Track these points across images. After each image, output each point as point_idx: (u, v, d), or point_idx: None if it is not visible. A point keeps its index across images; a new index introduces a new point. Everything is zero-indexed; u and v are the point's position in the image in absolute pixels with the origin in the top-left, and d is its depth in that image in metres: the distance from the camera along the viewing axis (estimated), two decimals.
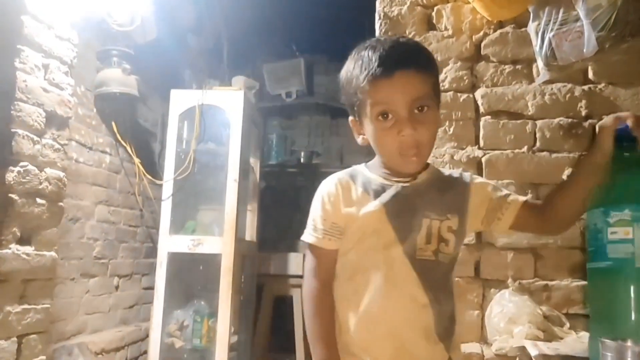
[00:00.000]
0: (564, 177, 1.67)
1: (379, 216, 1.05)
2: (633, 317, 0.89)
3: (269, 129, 4.71)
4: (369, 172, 1.11)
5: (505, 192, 1.14)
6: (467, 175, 1.15)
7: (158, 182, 3.13)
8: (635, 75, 1.69)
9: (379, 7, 1.86)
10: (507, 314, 1.56)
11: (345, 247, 1.09)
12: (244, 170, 3.20)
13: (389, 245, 1.05)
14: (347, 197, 1.08)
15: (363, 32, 1.99)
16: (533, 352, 1.33)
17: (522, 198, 1.12)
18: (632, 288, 0.87)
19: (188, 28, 3.82)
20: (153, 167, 3.37)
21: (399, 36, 1.55)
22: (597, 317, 0.95)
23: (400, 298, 1.03)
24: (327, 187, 1.11)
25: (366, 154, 2.95)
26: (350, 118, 1.12)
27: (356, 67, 1.04)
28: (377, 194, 1.07)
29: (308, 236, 1.11)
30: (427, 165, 1.13)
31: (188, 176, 3.03)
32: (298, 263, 3.63)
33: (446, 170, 1.19)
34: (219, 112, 3.13)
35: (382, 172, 1.10)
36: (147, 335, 3.05)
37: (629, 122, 0.97)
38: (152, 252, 3.24)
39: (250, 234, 3.51)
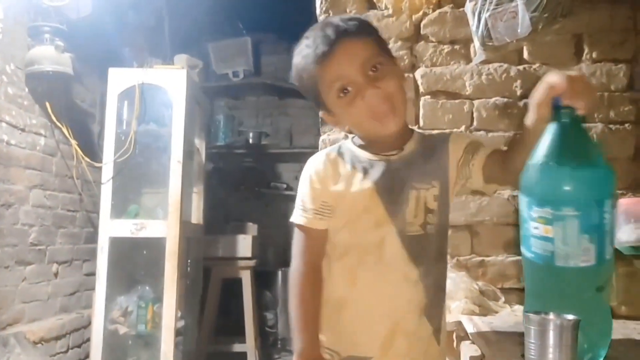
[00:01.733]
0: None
1: (370, 194, 1.04)
2: (561, 306, 0.87)
3: (215, 109, 4.62)
4: (355, 148, 1.09)
5: (479, 142, 1.07)
6: (447, 133, 1.13)
7: (97, 164, 3.02)
8: (567, 56, 1.75)
9: None
10: None
11: (335, 226, 1.07)
12: (189, 151, 3.13)
13: (381, 223, 1.04)
14: (335, 174, 1.07)
15: (310, 10, 1.95)
16: (468, 326, 1.37)
17: (489, 147, 1.06)
18: (558, 283, 0.85)
19: (127, 3, 3.66)
20: (92, 149, 3.24)
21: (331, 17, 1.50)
22: (528, 295, 0.96)
23: (393, 277, 1.03)
24: (315, 165, 1.09)
25: (316, 134, 2.91)
26: (321, 113, 1.10)
27: (302, 62, 1.03)
28: (366, 170, 1.06)
29: (298, 217, 1.08)
30: (412, 132, 1.10)
31: (129, 158, 2.92)
32: (247, 245, 3.60)
33: (432, 133, 1.18)
34: (160, 92, 3.02)
35: (368, 147, 1.08)
36: (90, 323, 2.97)
37: (563, 95, 0.83)
38: (93, 238, 3.14)
39: (197, 216, 3.44)
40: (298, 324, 1.05)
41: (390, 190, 1.04)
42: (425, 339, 1.06)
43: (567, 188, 0.82)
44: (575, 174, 0.82)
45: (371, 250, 1.04)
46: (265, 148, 4.44)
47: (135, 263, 3.03)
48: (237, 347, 3.54)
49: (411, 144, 1.07)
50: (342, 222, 1.06)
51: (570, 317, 0.82)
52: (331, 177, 1.07)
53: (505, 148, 1.08)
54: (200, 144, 3.57)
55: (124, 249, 2.95)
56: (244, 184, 4.44)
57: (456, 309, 1.54)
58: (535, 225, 0.84)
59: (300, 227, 1.09)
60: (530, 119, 0.91)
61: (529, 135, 0.90)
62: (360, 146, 1.09)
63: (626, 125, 1.71)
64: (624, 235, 1.52)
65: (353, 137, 1.12)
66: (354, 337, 1.05)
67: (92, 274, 3.01)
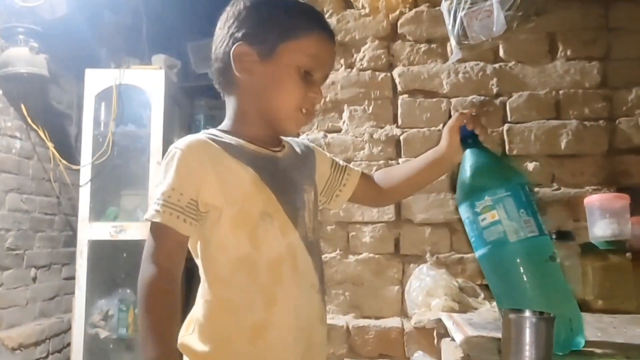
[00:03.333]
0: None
1: (267, 195, 0.91)
2: (527, 288, 0.94)
3: (195, 109, 4.56)
4: (232, 138, 0.93)
5: (341, 163, 1.11)
6: (308, 144, 1.09)
7: (75, 167, 2.97)
8: (541, 54, 1.77)
9: None
10: (425, 287, 1.61)
11: (224, 235, 0.89)
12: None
13: (286, 230, 0.91)
14: (214, 166, 0.88)
15: None
16: (448, 323, 1.38)
17: (357, 170, 1.11)
18: (517, 260, 0.95)
19: (103, 3, 3.61)
20: (69, 152, 3.19)
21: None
22: (496, 295, 1.01)
23: (305, 288, 0.93)
24: (190, 153, 0.88)
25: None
26: (240, 44, 0.91)
27: (297, 12, 0.94)
28: (255, 165, 0.91)
29: (154, 213, 0.85)
30: None
31: (107, 160, 2.89)
32: None
33: (293, 139, 1.07)
34: (138, 93, 3.00)
35: (249, 138, 0.94)
36: (70, 327, 2.93)
37: (467, 122, 1.03)
38: (72, 241, 3.09)
39: None
40: (150, 330, 0.83)
41: (286, 191, 0.93)
42: (326, 344, 1.01)
43: (496, 174, 0.99)
44: (497, 163, 1.03)
45: (284, 262, 0.90)
46: None
47: (115, 266, 2.99)
48: None
49: (286, 144, 1.01)
50: (232, 231, 0.88)
51: (546, 314, 0.84)
52: (211, 165, 0.88)
53: (371, 174, 1.15)
54: None
55: (103, 252, 2.91)
56: None
57: (436, 307, 1.56)
58: (482, 217, 0.96)
59: (157, 225, 0.85)
60: (440, 144, 1.06)
61: (427, 160, 1.09)
62: (237, 136, 0.94)
63: (600, 121, 1.73)
64: (599, 230, 1.55)
65: (216, 128, 0.97)
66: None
67: (72, 277, 2.96)
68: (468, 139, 1.04)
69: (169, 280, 0.85)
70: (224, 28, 0.96)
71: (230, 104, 0.99)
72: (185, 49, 4.22)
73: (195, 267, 0.94)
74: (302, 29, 0.92)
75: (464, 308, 1.56)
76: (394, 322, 1.65)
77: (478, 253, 1.00)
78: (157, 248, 0.86)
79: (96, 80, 2.92)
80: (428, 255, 1.72)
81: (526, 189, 0.98)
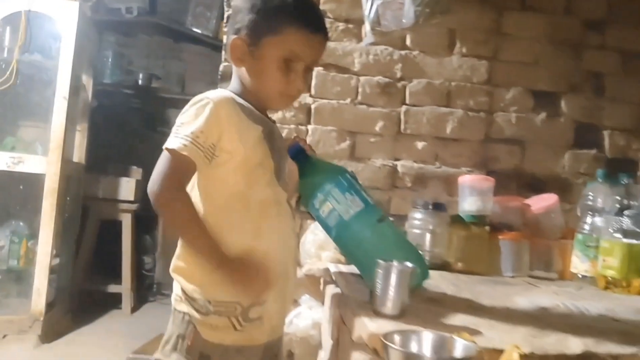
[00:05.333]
0: (377, 128, 1.95)
1: (265, 151, 1.07)
2: (371, 249, 1.20)
3: (103, 44, 4.39)
4: (246, 103, 1.09)
5: None
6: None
7: None
8: (442, 47, 2.01)
9: None
10: (318, 241, 1.82)
11: (226, 173, 1.04)
12: (75, 87, 3.03)
13: (272, 182, 1.09)
14: (239, 120, 1.04)
15: None
16: (333, 270, 1.60)
17: None
18: (356, 231, 1.22)
19: None
20: None
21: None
22: (357, 267, 1.31)
23: (286, 229, 1.12)
24: (221, 107, 1.03)
25: (209, 82, 2.96)
26: (235, 37, 1.08)
27: (282, 8, 1.05)
28: (262, 126, 1.07)
29: (182, 146, 0.97)
30: None
31: (9, 88, 2.78)
32: (129, 188, 3.59)
33: None
34: (49, 22, 2.88)
35: (254, 105, 1.10)
36: None
37: (299, 141, 1.25)
38: None
39: (78, 155, 3.36)
40: (200, 241, 0.99)
41: (278, 154, 1.11)
42: (296, 283, 1.24)
43: (318, 175, 1.23)
44: (318, 166, 1.26)
45: (271, 204, 1.08)
46: (155, 91, 4.35)
47: (9, 197, 2.92)
48: (113, 288, 3.56)
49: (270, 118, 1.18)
50: (239, 173, 1.05)
51: (409, 264, 1.08)
52: (235, 121, 1.03)
53: None
54: (87, 80, 3.44)
55: None
56: (130, 125, 4.34)
57: (326, 258, 1.77)
58: (322, 211, 1.21)
59: (182, 157, 0.97)
60: None
61: None
62: (246, 100, 1.10)
63: (481, 113, 2.02)
64: (467, 205, 1.82)
65: (228, 89, 1.12)
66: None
67: None
68: (296, 155, 1.23)
69: (186, 197, 1.01)
70: (230, 20, 1.14)
71: (235, 75, 1.14)
72: None
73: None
74: (284, 24, 1.05)
75: (349, 261, 1.79)
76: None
77: (331, 239, 1.27)
78: (176, 174, 0.99)
79: (3, 2, 2.76)
80: None
81: (347, 176, 1.22)
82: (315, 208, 1.22)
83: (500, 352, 0.89)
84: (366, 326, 1.02)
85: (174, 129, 1.02)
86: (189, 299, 1.05)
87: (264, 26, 1.06)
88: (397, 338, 0.88)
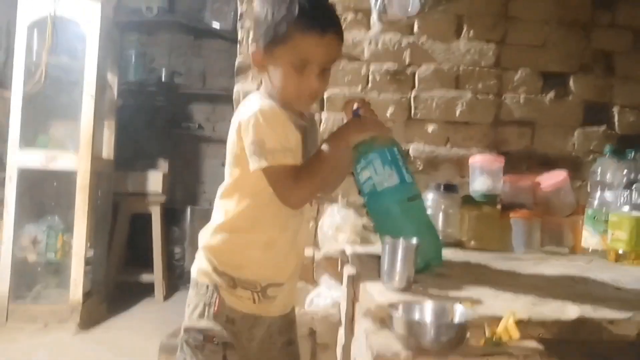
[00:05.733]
0: (388, 114, 2.02)
1: (300, 152, 1.17)
2: (396, 222, 1.26)
3: (126, 44, 4.52)
4: (282, 108, 1.16)
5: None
6: (313, 115, 1.41)
7: (4, 94, 2.98)
8: (449, 34, 2.06)
9: None
10: (335, 224, 1.90)
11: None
12: (101, 86, 3.16)
13: None
14: (288, 124, 1.15)
15: None
16: (349, 251, 1.68)
17: None
18: (385, 203, 1.27)
19: None
20: None
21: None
22: (379, 232, 1.34)
23: (304, 220, 1.27)
24: (272, 113, 1.14)
25: (229, 76, 3.05)
26: (253, 49, 1.19)
27: (285, 9, 1.11)
28: (299, 129, 1.18)
29: (264, 158, 1.10)
30: None
31: (39, 90, 2.93)
32: (157, 181, 3.74)
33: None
34: (73, 25, 3.01)
35: (286, 105, 1.18)
36: None
37: (357, 105, 1.27)
38: (2, 167, 3.13)
39: (107, 151, 3.51)
40: (335, 144, 1.18)
41: (308, 153, 1.21)
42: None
43: (368, 143, 1.25)
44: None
45: None
46: (177, 88, 4.48)
47: (44, 194, 3.08)
48: (145, 278, 3.73)
49: (305, 116, 1.26)
50: None
51: (414, 240, 1.14)
52: (285, 125, 1.14)
53: None
54: (112, 79, 3.58)
55: (34, 180, 3.00)
56: (155, 122, 4.48)
57: (343, 240, 1.86)
58: (361, 176, 1.26)
59: (273, 169, 1.11)
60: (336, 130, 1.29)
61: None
62: (282, 106, 1.17)
63: (489, 96, 2.07)
64: (477, 185, 1.87)
65: (265, 96, 1.19)
66: (274, 270, 1.21)
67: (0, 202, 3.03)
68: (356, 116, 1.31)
69: (301, 176, 1.13)
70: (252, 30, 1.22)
71: (263, 81, 1.24)
72: None
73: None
74: (291, 32, 1.12)
75: (365, 242, 1.87)
76: (307, 252, 1.94)
77: (365, 205, 1.34)
78: (287, 179, 1.13)
79: (30, 9, 2.90)
80: (340, 197, 2.01)
81: (393, 151, 1.26)
82: (357, 172, 1.28)
83: (500, 319, 0.94)
84: (374, 298, 1.09)
85: (250, 150, 1.12)
86: (218, 272, 1.18)
87: (275, 36, 1.13)
88: (400, 307, 0.95)
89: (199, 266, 1.22)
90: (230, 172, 1.22)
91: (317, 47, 1.13)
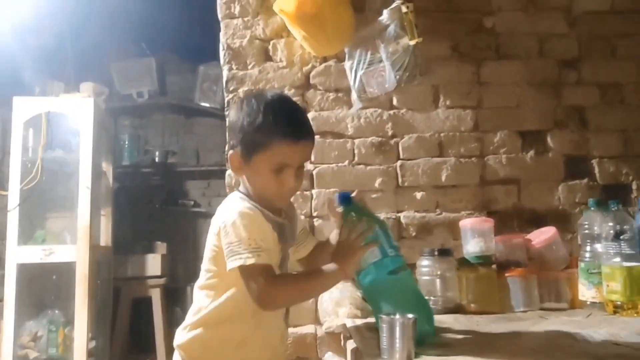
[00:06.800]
0: (376, 185, 2.07)
1: (277, 251, 1.26)
2: (382, 297, 1.32)
3: (119, 129, 4.63)
4: (260, 207, 1.24)
5: (306, 227, 1.49)
6: (293, 206, 1.45)
7: (2, 192, 3.04)
8: (427, 103, 2.15)
9: (222, 38, 2.11)
10: (334, 298, 1.91)
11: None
12: (96, 174, 3.23)
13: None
14: (265, 227, 1.22)
15: (213, 32, 2.16)
16: (349, 325, 1.68)
17: (315, 238, 1.50)
18: (369, 279, 1.34)
19: (26, 27, 3.65)
20: None
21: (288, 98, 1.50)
22: (372, 310, 1.40)
23: (279, 316, 1.31)
24: (250, 215, 1.21)
25: (222, 151, 3.10)
26: (232, 152, 1.26)
27: (261, 118, 1.20)
28: (276, 229, 1.25)
29: (243, 257, 1.16)
30: None
31: (36, 185, 2.99)
32: (156, 264, 3.74)
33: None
34: (66, 120, 3.12)
35: (266, 208, 1.26)
36: None
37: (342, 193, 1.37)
38: (1, 264, 3.14)
39: (105, 239, 3.53)
40: (318, 282, 1.26)
41: (284, 250, 1.30)
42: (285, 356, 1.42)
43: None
44: (356, 212, 1.35)
45: None
46: (172, 166, 4.55)
47: (44, 288, 3.08)
48: None
49: (285, 211, 1.34)
50: None
51: (410, 316, 1.16)
52: (265, 227, 1.22)
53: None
54: (106, 165, 3.66)
55: (32, 275, 3.00)
56: (152, 202, 4.51)
57: (343, 314, 1.86)
58: None
59: (250, 268, 1.16)
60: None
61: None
62: (260, 205, 1.25)
63: (472, 158, 2.14)
64: (471, 247, 1.88)
65: (244, 195, 1.28)
66: None
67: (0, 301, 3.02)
68: (345, 201, 1.36)
69: (281, 281, 1.23)
70: (228, 133, 1.34)
71: (241, 180, 1.33)
72: (108, 69, 4.30)
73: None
74: (268, 141, 1.21)
75: (365, 314, 1.86)
76: (308, 328, 1.95)
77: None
78: (261, 278, 1.18)
79: (24, 107, 3.01)
80: None
81: (375, 229, 1.31)
82: None
83: None
84: None
85: (228, 251, 1.18)
86: None
87: (252, 144, 1.22)
88: None
89: None
90: (207, 269, 1.28)
91: (294, 153, 1.22)
